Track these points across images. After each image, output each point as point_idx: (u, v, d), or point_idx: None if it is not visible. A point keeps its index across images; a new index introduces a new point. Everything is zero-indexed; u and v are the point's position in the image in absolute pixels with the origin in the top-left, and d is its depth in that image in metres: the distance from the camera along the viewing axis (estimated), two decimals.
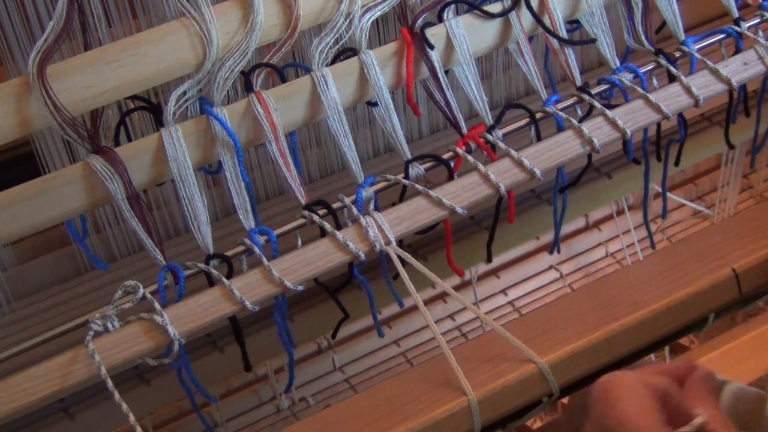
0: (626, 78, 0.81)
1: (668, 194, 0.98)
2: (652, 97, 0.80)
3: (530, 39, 0.80)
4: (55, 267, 0.87)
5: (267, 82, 0.76)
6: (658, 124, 0.83)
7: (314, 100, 0.73)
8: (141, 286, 0.68)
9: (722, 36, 0.85)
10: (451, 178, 0.76)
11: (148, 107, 0.76)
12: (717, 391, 0.74)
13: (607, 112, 0.79)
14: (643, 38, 0.83)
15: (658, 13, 0.84)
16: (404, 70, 0.76)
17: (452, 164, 0.76)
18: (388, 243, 0.72)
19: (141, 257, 0.87)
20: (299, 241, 0.73)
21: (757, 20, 0.86)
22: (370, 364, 1.20)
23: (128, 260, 0.88)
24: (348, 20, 0.74)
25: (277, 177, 0.92)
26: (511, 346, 0.72)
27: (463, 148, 0.76)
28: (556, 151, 0.77)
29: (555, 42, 0.80)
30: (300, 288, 0.70)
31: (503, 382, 0.69)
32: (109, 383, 0.64)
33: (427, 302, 1.22)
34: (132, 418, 0.64)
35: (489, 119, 0.78)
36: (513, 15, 0.78)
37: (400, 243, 0.74)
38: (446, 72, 0.78)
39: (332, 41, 0.74)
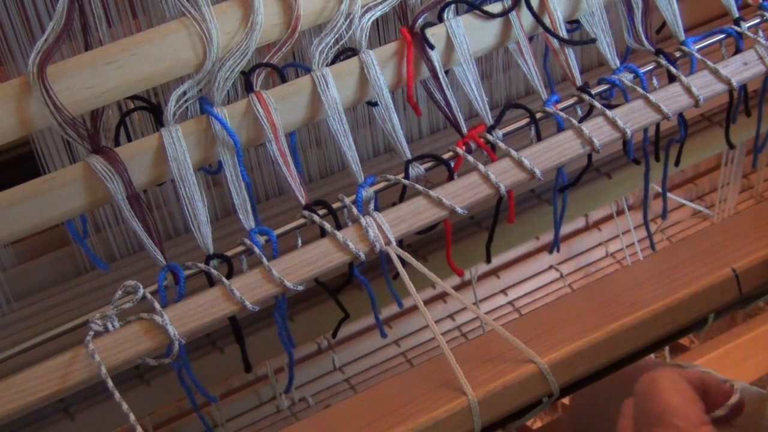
0: (626, 78, 0.81)
1: (668, 194, 0.98)
2: (652, 97, 0.80)
3: (530, 39, 0.80)
4: (55, 267, 0.87)
5: (267, 82, 0.77)
6: (658, 124, 0.83)
7: (314, 100, 0.73)
8: (141, 286, 0.68)
9: (722, 36, 0.85)
10: (451, 178, 0.76)
11: (148, 107, 0.76)
12: None
13: (607, 112, 0.79)
14: (643, 38, 0.83)
15: (658, 13, 0.84)
16: (404, 70, 0.76)
17: (452, 164, 0.76)
18: (388, 243, 0.72)
19: (141, 257, 0.87)
20: (299, 241, 0.73)
21: (757, 20, 0.86)
22: (370, 364, 1.20)
23: (128, 260, 0.88)
24: (348, 20, 0.74)
25: (277, 177, 0.92)
26: (511, 346, 0.72)
27: (463, 148, 0.76)
28: (556, 151, 0.77)
29: (555, 42, 0.81)
30: (300, 288, 0.70)
31: (503, 382, 0.69)
32: (110, 383, 0.64)
33: (427, 302, 1.22)
34: (132, 417, 0.64)
35: (489, 119, 0.78)
36: (513, 15, 0.79)
37: (400, 243, 0.74)
38: (446, 72, 0.78)
39: (332, 41, 0.74)
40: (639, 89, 0.81)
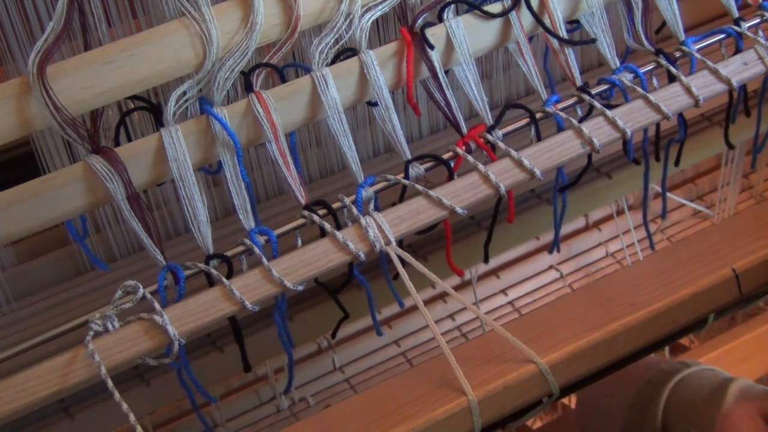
0: (626, 78, 0.81)
1: (668, 194, 0.98)
2: (652, 97, 0.80)
3: (530, 39, 0.80)
4: (55, 267, 0.87)
5: (267, 82, 0.76)
6: (658, 124, 0.83)
7: (314, 100, 0.73)
8: (141, 286, 0.68)
9: (722, 36, 0.85)
10: (451, 178, 0.76)
11: (148, 107, 0.76)
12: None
13: (607, 112, 0.79)
14: (643, 38, 0.83)
15: (658, 13, 0.84)
16: (404, 70, 0.76)
17: (452, 164, 0.76)
18: (388, 243, 0.72)
19: (141, 257, 0.87)
20: (299, 241, 0.73)
21: (757, 20, 0.86)
22: (370, 364, 1.20)
23: (128, 260, 0.88)
24: (348, 20, 0.74)
25: (277, 177, 0.92)
26: (511, 346, 0.72)
27: (463, 148, 0.76)
28: (556, 151, 0.77)
29: (555, 42, 0.80)
30: (300, 288, 0.70)
31: (503, 382, 0.69)
32: (110, 383, 0.64)
33: (427, 302, 1.22)
34: (132, 417, 0.64)
35: (489, 119, 0.78)
36: (513, 15, 0.78)
37: (400, 243, 0.74)
38: (446, 72, 0.78)
39: (332, 41, 0.74)
40: (639, 89, 0.81)
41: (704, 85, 0.82)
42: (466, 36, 0.77)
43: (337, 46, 0.75)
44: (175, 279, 0.69)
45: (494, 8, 0.78)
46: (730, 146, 0.94)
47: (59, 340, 0.68)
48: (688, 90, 0.81)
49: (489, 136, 0.77)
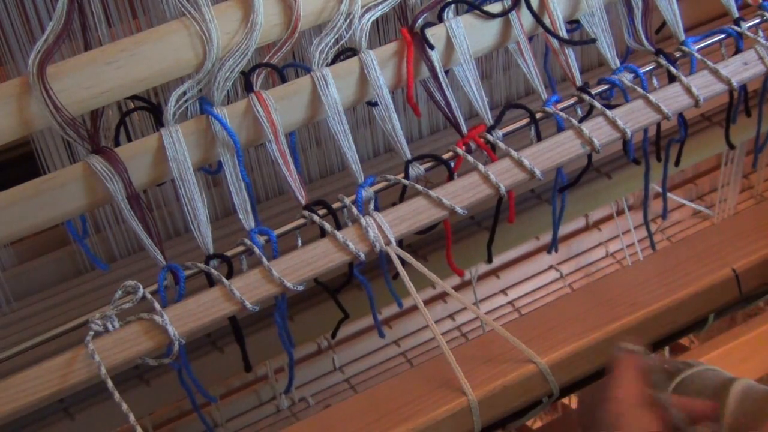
0: (626, 78, 0.81)
1: (668, 194, 0.98)
2: (652, 97, 0.80)
3: (530, 39, 0.80)
4: (55, 267, 0.87)
5: (267, 82, 0.76)
6: (658, 124, 0.83)
7: (314, 100, 0.73)
8: (141, 286, 0.68)
9: (722, 36, 0.85)
10: (451, 178, 0.76)
11: (148, 107, 0.76)
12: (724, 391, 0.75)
13: (607, 112, 0.79)
14: (643, 38, 0.83)
15: (658, 13, 0.84)
16: (404, 70, 0.76)
17: (452, 164, 0.76)
18: (388, 243, 0.72)
19: (141, 257, 0.87)
20: (299, 241, 0.73)
21: (757, 20, 0.86)
22: (370, 364, 1.20)
23: (128, 260, 0.88)
24: (348, 20, 0.74)
25: (277, 177, 0.92)
26: (511, 346, 0.72)
27: (463, 148, 0.76)
28: (556, 151, 0.77)
29: (555, 42, 0.80)
30: (300, 288, 0.70)
31: (503, 382, 0.69)
32: (109, 383, 0.64)
33: (427, 302, 1.22)
34: (132, 417, 0.64)
35: (489, 119, 0.78)
36: (513, 15, 0.78)
37: (400, 243, 0.74)
38: (446, 72, 0.78)
39: (332, 41, 0.74)
40: (639, 89, 0.81)
41: (704, 85, 0.82)
42: (466, 36, 0.77)
43: (337, 46, 0.75)
44: (175, 279, 0.69)
45: (494, 8, 0.78)
46: (731, 146, 0.94)
47: (59, 340, 0.68)
48: (688, 90, 0.81)
49: (489, 136, 0.77)
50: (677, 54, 0.84)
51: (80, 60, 0.67)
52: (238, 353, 0.76)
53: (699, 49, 0.84)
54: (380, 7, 0.76)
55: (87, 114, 0.69)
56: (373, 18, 0.75)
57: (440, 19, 0.77)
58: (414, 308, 1.13)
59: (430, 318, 0.71)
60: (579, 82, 0.81)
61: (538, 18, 0.79)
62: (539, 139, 0.78)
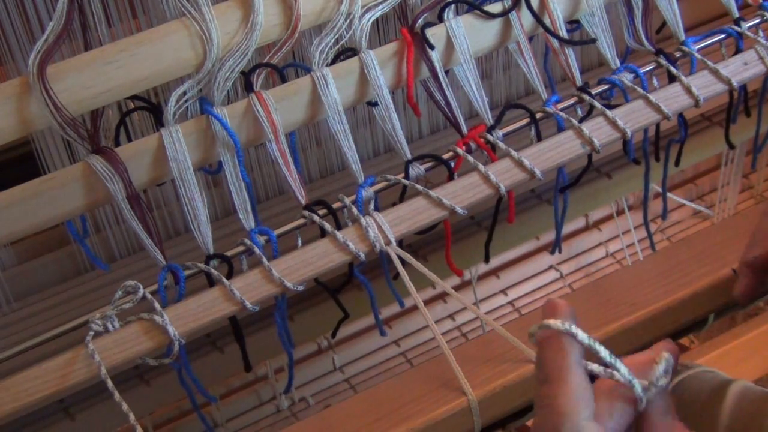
0: (626, 78, 0.81)
1: (668, 194, 0.98)
2: (652, 97, 0.80)
3: (530, 39, 0.80)
4: (55, 267, 0.87)
5: (267, 82, 0.76)
6: (658, 124, 0.83)
7: (314, 100, 0.73)
8: (141, 286, 0.68)
9: (722, 36, 0.85)
10: (451, 178, 0.76)
11: (148, 107, 0.76)
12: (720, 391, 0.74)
13: (608, 112, 0.79)
14: (644, 38, 0.83)
15: (658, 13, 0.84)
16: (404, 70, 0.76)
17: (452, 164, 0.76)
18: (388, 243, 0.72)
19: (141, 257, 0.87)
20: (299, 241, 0.73)
21: (758, 20, 0.86)
22: (370, 364, 1.20)
23: (128, 260, 0.88)
24: (348, 20, 0.74)
25: (277, 177, 0.92)
26: (511, 346, 0.72)
27: (463, 148, 0.76)
28: (557, 151, 0.77)
29: (555, 42, 0.80)
30: (300, 288, 0.70)
31: (503, 382, 0.69)
32: (109, 383, 0.64)
33: (427, 302, 1.22)
34: (132, 417, 0.64)
35: (489, 119, 0.78)
36: (513, 15, 0.78)
37: (400, 243, 0.74)
38: (446, 72, 0.78)
39: (332, 41, 0.74)
40: (639, 89, 0.81)
41: (704, 85, 0.82)
42: (467, 36, 0.77)
43: (338, 46, 0.75)
44: (175, 279, 0.69)
45: (494, 8, 0.78)
46: (731, 146, 0.94)
47: (59, 340, 0.68)
48: (688, 90, 0.81)
49: (489, 136, 0.77)
50: (677, 54, 0.84)
51: (80, 60, 0.67)
52: (238, 353, 0.76)
53: (699, 49, 0.84)
54: (380, 7, 0.76)
55: (87, 114, 0.69)
56: (373, 18, 0.75)
57: (440, 19, 0.77)
58: (414, 308, 1.13)
59: (430, 318, 0.71)
60: (579, 82, 0.81)
61: (538, 18, 0.79)
62: (539, 139, 0.79)
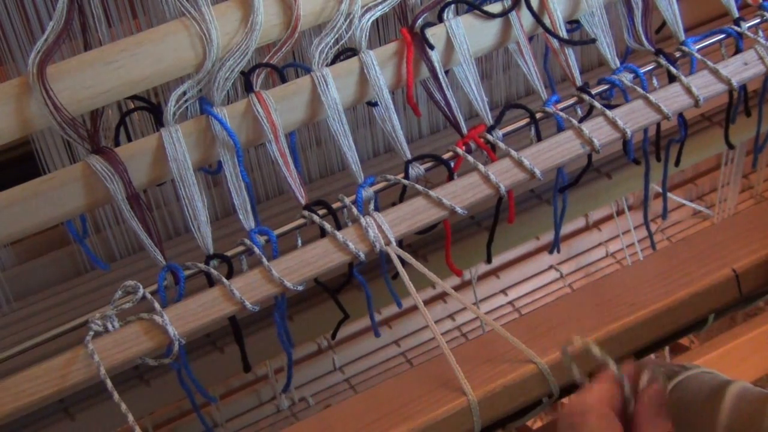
0: (626, 78, 0.81)
1: (668, 194, 0.98)
2: (652, 97, 0.80)
3: (530, 39, 0.80)
4: (55, 267, 0.87)
5: (267, 82, 0.76)
6: (658, 124, 0.83)
7: (314, 100, 0.73)
8: (141, 286, 0.68)
9: (722, 36, 0.85)
10: (451, 178, 0.76)
11: (148, 107, 0.76)
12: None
13: (607, 112, 0.79)
14: (643, 38, 0.83)
15: (658, 13, 0.84)
16: (404, 70, 0.76)
17: (452, 164, 0.76)
18: (388, 243, 0.72)
19: (141, 257, 0.87)
20: (299, 241, 0.73)
21: (757, 20, 0.86)
22: (370, 364, 1.20)
23: (128, 260, 0.88)
24: (348, 20, 0.74)
25: (277, 177, 0.92)
26: (511, 346, 0.72)
27: (463, 148, 0.76)
28: (556, 151, 0.77)
29: (555, 42, 0.80)
30: (300, 288, 0.70)
31: (503, 382, 0.69)
32: (108, 383, 0.64)
33: (427, 302, 1.22)
34: (131, 417, 0.64)
35: (489, 119, 0.78)
36: (513, 15, 0.78)
37: (400, 243, 0.74)
38: (446, 72, 0.78)
39: (332, 41, 0.74)
40: (639, 89, 0.81)
41: (704, 85, 0.82)
42: (466, 36, 0.77)
43: (337, 46, 0.75)
44: (175, 279, 0.69)
45: (494, 8, 0.78)
46: (731, 146, 0.94)
47: (59, 340, 0.68)
48: (688, 90, 0.81)
49: (489, 136, 0.77)
50: (677, 54, 0.84)
51: (80, 60, 0.67)
52: (238, 353, 0.76)
53: (699, 49, 0.84)
54: (380, 7, 0.76)
55: (87, 114, 0.69)
56: (373, 18, 0.75)
57: (440, 19, 0.77)
58: (414, 308, 1.13)
59: (430, 318, 0.71)
60: (579, 82, 0.81)
61: (538, 18, 0.79)
62: (539, 139, 0.79)
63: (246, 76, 0.73)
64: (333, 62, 0.75)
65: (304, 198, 0.73)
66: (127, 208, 0.69)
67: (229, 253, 0.71)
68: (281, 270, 0.70)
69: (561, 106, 0.80)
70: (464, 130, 0.78)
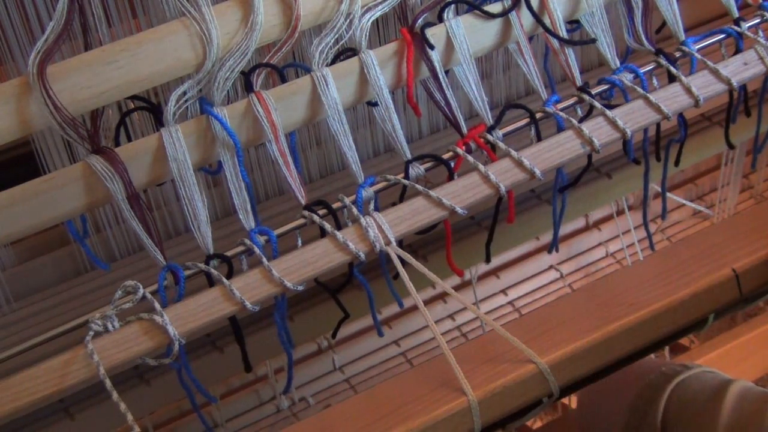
0: (626, 78, 0.81)
1: (668, 194, 0.98)
2: (652, 97, 0.80)
3: (530, 39, 0.80)
4: (55, 267, 0.87)
5: (267, 82, 0.76)
6: (658, 124, 0.83)
7: (314, 100, 0.73)
8: (141, 286, 0.68)
9: (722, 36, 0.85)
10: (451, 178, 0.76)
11: (148, 107, 0.76)
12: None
13: (607, 112, 0.79)
14: (644, 38, 0.83)
15: (658, 13, 0.84)
16: (404, 70, 0.76)
17: (452, 164, 0.76)
18: (388, 243, 0.72)
19: (141, 257, 0.87)
20: (299, 241, 0.73)
21: (758, 20, 0.86)
22: (370, 364, 1.20)
23: (128, 260, 0.88)
24: (348, 20, 0.74)
25: (277, 177, 0.92)
26: (511, 346, 0.72)
27: (463, 148, 0.76)
28: (556, 151, 0.77)
29: (555, 42, 0.80)
30: (300, 288, 0.70)
31: (503, 382, 0.69)
32: (108, 383, 0.64)
33: (427, 302, 1.22)
34: (130, 417, 0.64)
35: (489, 119, 0.78)
36: (513, 15, 0.78)
37: (400, 243, 0.74)
38: (446, 72, 0.78)
39: (332, 41, 0.74)
40: (639, 89, 0.81)
41: (704, 85, 0.82)
42: (466, 36, 0.77)
43: (337, 46, 0.75)
44: (175, 279, 0.69)
45: (494, 8, 0.78)
46: (731, 146, 0.94)
47: (59, 340, 0.68)
48: (688, 90, 0.81)
49: (489, 136, 0.77)
50: (677, 54, 0.84)
51: (80, 60, 0.67)
52: (238, 353, 0.76)
53: (699, 49, 0.84)
54: (380, 7, 0.76)
55: (87, 114, 0.69)
56: (373, 18, 0.75)
57: (440, 19, 0.77)
58: (414, 308, 1.13)
59: (430, 318, 0.71)
60: (579, 82, 0.81)
61: (538, 18, 0.79)
62: (539, 139, 0.79)
63: (246, 76, 0.73)
64: (333, 62, 0.75)
65: (304, 198, 0.73)
66: (127, 208, 0.69)
67: (229, 253, 0.71)
68: (281, 270, 0.70)
69: (561, 106, 0.80)
70: (464, 130, 0.78)
